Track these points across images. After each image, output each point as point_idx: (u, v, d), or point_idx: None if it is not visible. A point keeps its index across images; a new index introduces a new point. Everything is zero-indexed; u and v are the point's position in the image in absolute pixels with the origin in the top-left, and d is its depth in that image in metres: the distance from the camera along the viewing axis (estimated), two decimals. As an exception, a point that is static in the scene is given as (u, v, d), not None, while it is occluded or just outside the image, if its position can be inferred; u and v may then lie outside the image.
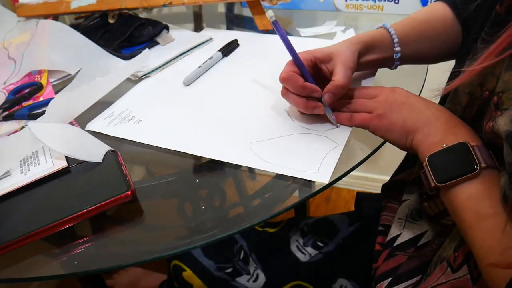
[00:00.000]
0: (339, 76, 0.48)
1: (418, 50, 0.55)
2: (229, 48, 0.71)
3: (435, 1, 0.58)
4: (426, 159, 0.40)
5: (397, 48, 0.53)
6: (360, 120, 0.48)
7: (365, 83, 0.57)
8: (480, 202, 0.36)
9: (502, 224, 0.34)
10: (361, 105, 0.48)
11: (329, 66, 0.50)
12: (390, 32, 0.53)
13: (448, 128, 0.42)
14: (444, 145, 0.40)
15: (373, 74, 0.58)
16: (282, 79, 0.48)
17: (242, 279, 0.59)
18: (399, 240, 0.51)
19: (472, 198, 0.37)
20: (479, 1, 0.47)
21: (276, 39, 0.61)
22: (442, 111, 0.44)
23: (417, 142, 0.43)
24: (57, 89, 0.65)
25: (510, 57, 0.37)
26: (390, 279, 0.49)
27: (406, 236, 0.50)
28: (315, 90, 0.48)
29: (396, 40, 0.53)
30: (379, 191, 0.64)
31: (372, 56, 0.53)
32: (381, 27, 0.54)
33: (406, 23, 0.55)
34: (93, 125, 0.56)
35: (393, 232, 0.52)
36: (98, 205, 0.41)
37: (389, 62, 0.55)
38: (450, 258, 0.42)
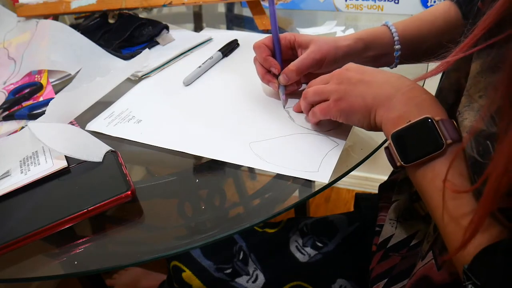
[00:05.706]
0: (295, 62, 0.52)
1: (420, 49, 0.55)
2: (229, 48, 0.71)
3: (440, 1, 0.58)
4: (390, 137, 0.39)
5: (397, 46, 0.53)
6: (321, 111, 0.47)
7: None
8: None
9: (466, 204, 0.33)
10: (316, 92, 0.47)
11: (303, 52, 0.53)
12: (391, 30, 0.53)
13: (410, 98, 0.40)
14: (408, 121, 0.38)
15: None
16: (253, 46, 0.55)
17: (242, 280, 0.59)
18: (392, 241, 0.50)
19: (439, 177, 0.35)
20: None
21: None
22: (402, 79, 0.42)
23: (380, 118, 0.41)
24: (57, 89, 0.65)
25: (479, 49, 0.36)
26: (385, 280, 0.49)
27: (398, 236, 0.50)
28: (274, 66, 0.53)
29: (396, 38, 0.53)
30: (379, 191, 0.64)
31: (371, 53, 0.53)
32: (383, 25, 0.55)
33: (409, 22, 0.55)
34: (93, 125, 0.56)
35: (385, 233, 0.52)
36: (98, 205, 0.41)
37: (389, 60, 0.55)
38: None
